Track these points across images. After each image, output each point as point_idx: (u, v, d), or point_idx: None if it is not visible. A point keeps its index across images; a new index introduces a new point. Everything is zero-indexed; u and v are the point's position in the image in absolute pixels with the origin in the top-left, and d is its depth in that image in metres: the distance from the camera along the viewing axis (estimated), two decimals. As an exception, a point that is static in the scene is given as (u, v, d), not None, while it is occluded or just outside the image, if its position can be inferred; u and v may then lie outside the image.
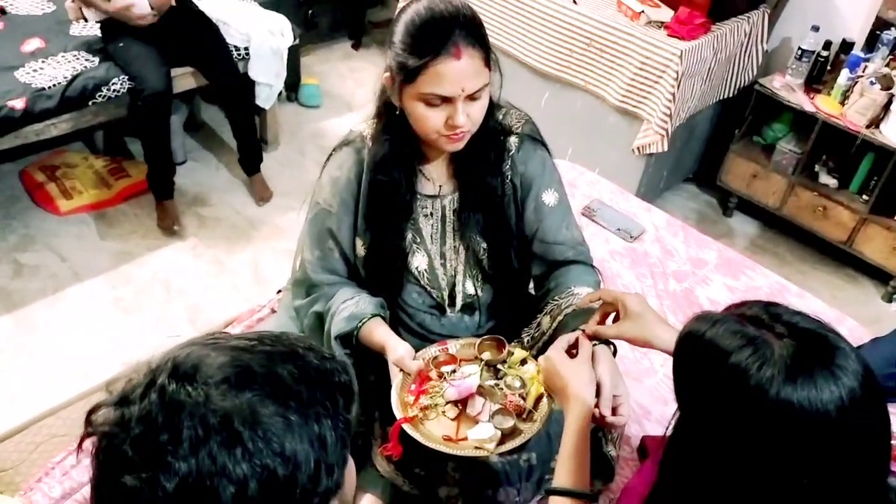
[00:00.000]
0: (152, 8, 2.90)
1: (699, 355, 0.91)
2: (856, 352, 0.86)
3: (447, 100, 1.32)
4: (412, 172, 1.51)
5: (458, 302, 1.61)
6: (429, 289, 1.59)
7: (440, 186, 1.54)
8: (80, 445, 0.70)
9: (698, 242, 2.44)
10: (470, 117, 1.35)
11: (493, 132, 1.50)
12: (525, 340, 1.58)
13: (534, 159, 1.55)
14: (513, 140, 1.54)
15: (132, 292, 2.89)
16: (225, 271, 3.04)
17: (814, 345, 0.85)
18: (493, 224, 1.55)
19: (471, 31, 1.31)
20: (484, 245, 1.57)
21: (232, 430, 0.65)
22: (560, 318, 1.50)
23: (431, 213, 1.55)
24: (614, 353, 1.40)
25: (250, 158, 3.41)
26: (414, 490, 1.53)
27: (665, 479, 1.02)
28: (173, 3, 2.99)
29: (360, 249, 1.56)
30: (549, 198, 1.57)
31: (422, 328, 1.63)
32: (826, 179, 3.25)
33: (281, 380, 0.70)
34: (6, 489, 1.57)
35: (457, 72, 1.29)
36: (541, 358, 1.38)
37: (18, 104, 2.72)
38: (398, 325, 1.63)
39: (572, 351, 1.34)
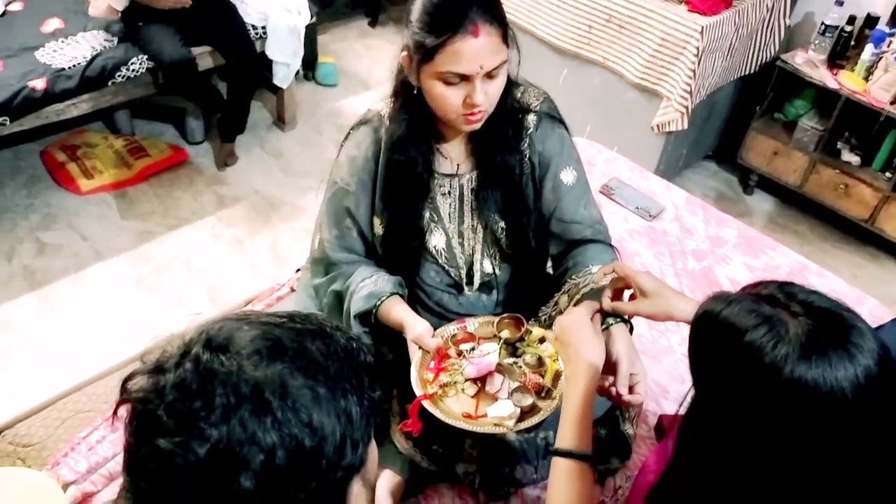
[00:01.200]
0: None
1: (715, 334, 0.91)
2: (872, 331, 0.85)
3: (465, 78, 1.32)
4: (430, 151, 1.51)
5: (476, 280, 1.61)
6: (447, 267, 1.60)
7: (458, 165, 1.54)
8: (115, 412, 0.72)
9: (718, 221, 2.43)
10: (488, 95, 1.35)
11: (511, 110, 1.49)
12: (542, 319, 1.57)
13: (552, 137, 1.55)
14: (531, 118, 1.53)
15: (153, 271, 2.92)
16: (244, 250, 3.07)
17: (829, 323, 0.85)
18: (511, 203, 1.55)
19: (488, 7, 1.30)
20: (502, 224, 1.57)
21: (262, 400, 0.67)
22: (578, 296, 1.49)
23: (449, 192, 1.55)
24: (630, 332, 1.40)
25: (232, 123, 3.39)
26: (432, 466, 1.54)
27: (680, 458, 1.02)
28: None
29: (378, 228, 1.57)
30: (568, 176, 1.56)
31: (439, 307, 1.64)
32: (848, 157, 3.20)
33: (310, 354, 0.72)
34: (33, 464, 1.60)
35: (475, 50, 1.28)
36: (565, 314, 1.35)
37: (39, 84, 2.74)
38: (416, 303, 1.63)
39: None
